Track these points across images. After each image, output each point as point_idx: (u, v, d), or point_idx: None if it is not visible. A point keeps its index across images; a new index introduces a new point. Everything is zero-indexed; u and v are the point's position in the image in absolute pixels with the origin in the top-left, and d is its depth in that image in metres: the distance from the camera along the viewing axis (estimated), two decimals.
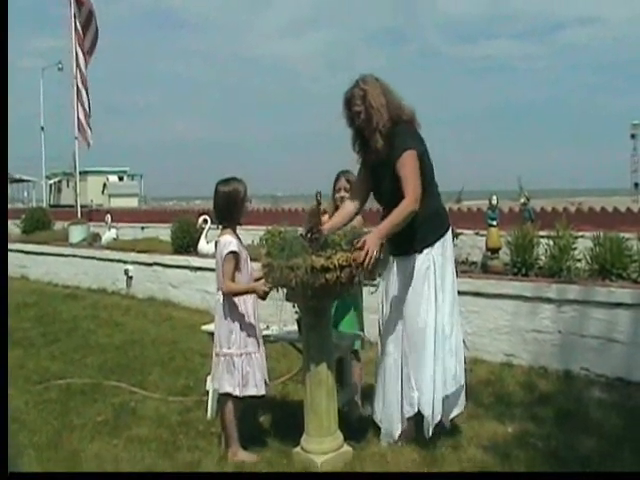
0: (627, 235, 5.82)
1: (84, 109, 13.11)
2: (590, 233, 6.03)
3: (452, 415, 3.98)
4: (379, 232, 3.55)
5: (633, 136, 42.86)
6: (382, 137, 3.75)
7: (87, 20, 13.09)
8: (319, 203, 3.60)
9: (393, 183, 3.74)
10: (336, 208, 4.45)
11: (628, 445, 3.73)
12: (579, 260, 5.76)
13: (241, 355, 3.67)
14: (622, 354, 5.07)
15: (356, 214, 4.04)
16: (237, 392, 3.67)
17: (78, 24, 13.02)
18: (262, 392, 3.75)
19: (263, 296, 3.66)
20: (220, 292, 3.74)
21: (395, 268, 3.92)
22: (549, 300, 5.45)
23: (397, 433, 3.87)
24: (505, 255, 6.21)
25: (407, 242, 3.79)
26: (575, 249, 5.77)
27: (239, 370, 3.66)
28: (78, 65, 13.14)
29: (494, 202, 6.40)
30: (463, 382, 3.96)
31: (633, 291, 5.12)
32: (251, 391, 3.70)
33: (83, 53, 13.14)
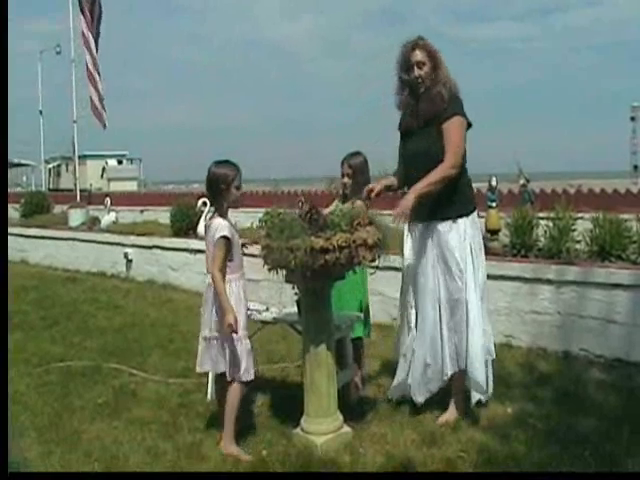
0: (626, 216, 5.81)
1: (97, 91, 13.02)
2: (589, 215, 6.02)
3: (490, 388, 4.06)
4: (414, 191, 3.65)
5: (633, 118, 42.83)
6: (446, 90, 3.78)
7: (92, 3, 12.95)
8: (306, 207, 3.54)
9: (432, 144, 3.77)
10: (343, 194, 4.42)
11: (627, 425, 3.74)
12: (578, 241, 5.75)
13: (233, 339, 3.54)
14: (621, 335, 5.07)
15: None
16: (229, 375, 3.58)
17: (86, 7, 12.89)
18: (250, 378, 3.63)
19: (226, 329, 3.45)
20: (210, 275, 3.61)
21: (432, 235, 3.89)
22: (548, 281, 5.44)
23: (423, 397, 3.96)
24: (504, 237, 6.20)
25: (444, 208, 3.81)
26: (574, 230, 5.76)
27: (230, 353, 3.55)
28: (89, 48, 12.98)
29: (494, 184, 6.39)
30: (492, 352, 4.03)
31: (632, 272, 5.11)
32: (245, 376, 3.59)
33: (93, 36, 12.99)
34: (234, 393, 3.62)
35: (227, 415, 3.61)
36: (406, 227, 4.08)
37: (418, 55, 3.81)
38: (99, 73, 13.02)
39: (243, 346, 3.58)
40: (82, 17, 12.89)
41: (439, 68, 3.79)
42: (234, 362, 3.56)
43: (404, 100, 3.97)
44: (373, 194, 3.95)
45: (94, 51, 12.99)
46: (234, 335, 3.50)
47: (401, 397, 4.11)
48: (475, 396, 3.95)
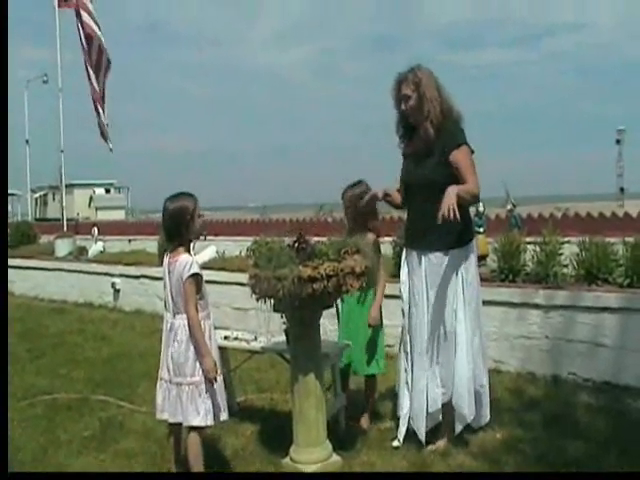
0: (613, 240, 5.85)
1: (101, 119, 13.10)
2: (576, 238, 6.06)
3: (481, 420, 4.04)
4: (456, 188, 3.55)
5: (618, 141, 43.46)
6: (433, 127, 3.77)
7: (98, 55, 13.00)
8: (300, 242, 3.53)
9: (434, 174, 3.76)
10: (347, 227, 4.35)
11: (615, 448, 3.75)
12: (565, 265, 5.78)
13: (208, 381, 3.37)
14: (609, 358, 5.09)
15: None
16: (208, 421, 3.37)
17: (84, 40, 12.93)
18: (224, 418, 3.49)
19: (210, 378, 3.34)
20: (178, 316, 3.44)
21: (424, 265, 3.87)
22: (536, 306, 5.47)
23: (423, 430, 3.87)
24: (492, 262, 6.23)
25: (437, 239, 3.74)
26: (561, 255, 5.80)
27: (207, 397, 3.36)
28: (91, 79, 13.02)
29: (481, 209, 6.43)
30: (483, 385, 3.97)
31: (619, 295, 5.15)
32: (223, 416, 3.46)
33: (92, 66, 13.01)
34: (193, 443, 3.41)
35: (193, 469, 3.41)
36: (403, 254, 4.09)
37: (403, 89, 3.81)
38: (103, 101, 13.07)
39: (220, 383, 3.43)
40: (81, 49, 12.93)
41: (424, 97, 3.74)
42: (210, 404, 3.37)
43: (401, 131, 4.01)
44: (378, 199, 3.97)
45: (96, 81, 13.01)
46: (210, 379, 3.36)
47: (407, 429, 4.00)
48: (459, 427, 3.91)
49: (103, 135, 13.20)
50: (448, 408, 3.91)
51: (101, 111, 13.11)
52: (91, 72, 13.00)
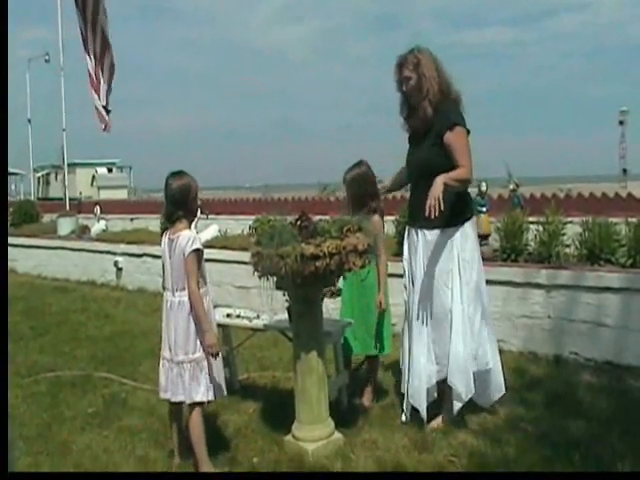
0: (615, 220, 5.84)
1: (99, 99, 13.00)
2: (579, 219, 6.05)
3: (491, 398, 4.03)
4: (444, 177, 3.56)
5: (621, 122, 43.24)
6: (431, 106, 3.78)
7: (94, 12, 12.79)
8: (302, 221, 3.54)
9: (429, 155, 3.79)
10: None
11: (617, 427, 3.76)
12: (568, 245, 5.78)
13: (210, 356, 3.40)
14: (611, 338, 5.09)
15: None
16: (210, 396, 3.40)
17: (80, 17, 12.79)
18: (223, 394, 3.56)
19: (212, 353, 3.36)
20: (177, 294, 3.47)
21: (421, 243, 3.89)
22: (539, 285, 5.46)
23: (424, 407, 3.88)
24: (495, 241, 6.22)
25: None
26: (564, 235, 5.79)
27: (207, 373, 3.39)
28: (89, 55, 12.88)
29: (483, 189, 6.41)
30: (488, 363, 3.94)
31: (621, 275, 5.14)
32: (223, 392, 3.51)
33: (89, 44, 12.86)
34: (195, 420, 3.41)
35: (196, 446, 3.41)
36: (406, 231, 4.08)
37: (404, 71, 3.84)
38: (103, 79, 12.93)
39: (219, 359, 3.48)
40: (80, 30, 12.78)
41: (423, 77, 3.76)
42: (209, 380, 3.40)
43: (405, 113, 4.01)
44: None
45: (92, 58, 12.87)
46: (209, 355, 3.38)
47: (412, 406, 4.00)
48: (457, 405, 3.88)
49: (102, 117, 13.05)
50: (445, 386, 3.92)
51: (102, 91, 12.97)
52: (91, 54, 12.86)
